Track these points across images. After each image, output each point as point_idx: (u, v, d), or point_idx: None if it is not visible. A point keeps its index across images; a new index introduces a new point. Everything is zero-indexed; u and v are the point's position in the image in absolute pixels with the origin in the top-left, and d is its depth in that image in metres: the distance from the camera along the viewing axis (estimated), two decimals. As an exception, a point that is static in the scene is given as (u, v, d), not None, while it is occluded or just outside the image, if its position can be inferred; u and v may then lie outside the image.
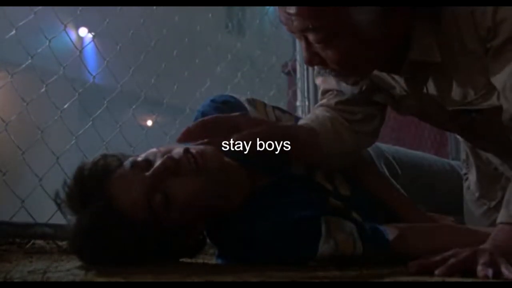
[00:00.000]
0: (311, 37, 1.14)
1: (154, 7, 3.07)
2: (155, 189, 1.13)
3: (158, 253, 1.17)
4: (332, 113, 1.42)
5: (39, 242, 1.78)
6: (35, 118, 2.12)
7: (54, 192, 1.19)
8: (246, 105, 1.42)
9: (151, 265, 1.12)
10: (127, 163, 1.17)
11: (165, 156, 1.16)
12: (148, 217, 1.12)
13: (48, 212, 1.80)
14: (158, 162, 1.15)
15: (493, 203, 1.48)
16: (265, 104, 1.46)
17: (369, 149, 1.57)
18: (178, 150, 1.18)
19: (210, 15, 3.68)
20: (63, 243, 1.73)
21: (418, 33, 1.17)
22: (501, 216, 1.08)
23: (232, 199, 1.22)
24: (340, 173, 1.40)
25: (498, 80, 1.13)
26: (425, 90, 1.28)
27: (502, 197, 1.19)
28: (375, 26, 1.12)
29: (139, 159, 1.18)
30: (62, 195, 1.17)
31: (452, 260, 0.97)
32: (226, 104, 1.40)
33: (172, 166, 1.14)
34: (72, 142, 2.31)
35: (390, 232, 1.24)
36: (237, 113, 1.27)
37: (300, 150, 1.32)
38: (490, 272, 0.93)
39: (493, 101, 1.19)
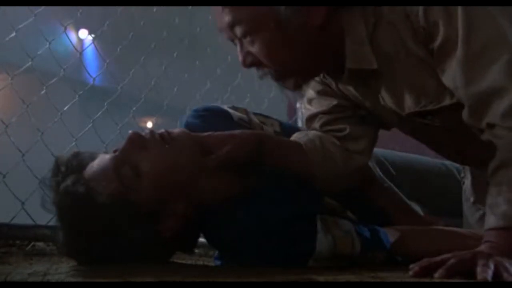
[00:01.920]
0: (238, 31, 1.17)
1: (154, 9, 3.08)
2: (123, 162, 1.16)
3: (145, 241, 1.16)
4: (321, 134, 1.42)
5: (39, 244, 1.77)
6: (35, 120, 2.13)
7: (40, 196, 1.21)
8: (229, 110, 1.42)
9: (151, 266, 1.12)
10: (102, 152, 1.21)
11: (131, 133, 1.19)
12: (121, 193, 1.13)
13: (48, 214, 1.80)
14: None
15: (480, 213, 1.48)
16: (246, 110, 1.47)
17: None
18: (145, 131, 1.22)
19: (210, 17, 3.68)
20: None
21: (351, 41, 1.19)
22: (490, 223, 1.07)
23: (212, 189, 1.22)
24: None
25: (448, 80, 1.12)
26: (381, 100, 1.28)
27: None
28: (294, 15, 1.15)
29: (114, 149, 1.21)
30: (45, 192, 1.20)
31: (451, 262, 0.97)
32: (208, 111, 1.41)
33: (137, 140, 1.17)
34: (72, 144, 2.32)
35: (390, 234, 1.24)
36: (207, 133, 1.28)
37: (281, 161, 1.32)
38: (489, 273, 0.93)
39: (446, 101, 1.19)
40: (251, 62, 1.22)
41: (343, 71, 1.24)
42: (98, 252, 1.13)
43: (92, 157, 1.21)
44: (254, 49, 1.19)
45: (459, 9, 1.07)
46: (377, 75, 1.22)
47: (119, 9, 2.88)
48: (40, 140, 2.12)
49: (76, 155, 1.23)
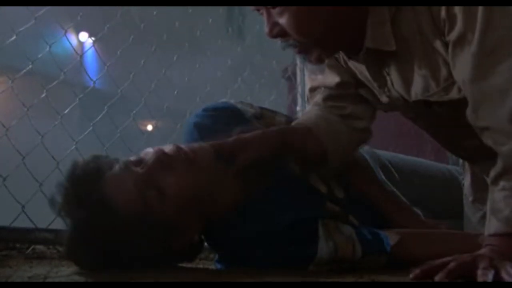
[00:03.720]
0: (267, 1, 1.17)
1: (154, 12, 3.08)
2: (148, 183, 1.13)
3: (156, 253, 1.16)
4: (324, 112, 1.43)
5: (40, 247, 1.77)
6: (35, 123, 2.12)
7: (50, 197, 1.19)
8: (240, 107, 1.42)
9: (152, 269, 1.12)
10: (119, 163, 1.18)
11: (157, 151, 1.16)
12: (142, 213, 1.12)
13: (49, 218, 1.80)
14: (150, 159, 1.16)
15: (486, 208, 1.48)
16: (252, 105, 1.47)
17: (366, 154, 1.58)
18: (169, 146, 1.19)
19: (210, 20, 3.68)
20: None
21: (373, 20, 1.19)
22: (492, 228, 1.07)
23: (225, 199, 1.22)
24: (335, 176, 1.40)
25: (457, 73, 1.13)
26: (389, 82, 1.28)
27: None
28: None
29: (132, 158, 1.18)
30: (58, 198, 1.17)
31: (452, 265, 0.97)
32: (219, 110, 1.41)
33: (164, 160, 1.15)
34: (72, 148, 2.31)
35: (391, 237, 1.23)
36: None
37: (300, 152, 1.33)
38: (490, 276, 0.93)
39: (453, 94, 1.20)
40: (277, 32, 1.20)
41: (360, 49, 1.24)
42: (106, 261, 1.12)
43: (111, 165, 1.18)
44: (283, 19, 1.17)
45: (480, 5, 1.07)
46: (392, 57, 1.23)
47: (119, 12, 2.88)
48: (41, 144, 2.12)
49: (95, 160, 1.20)
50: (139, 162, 1.17)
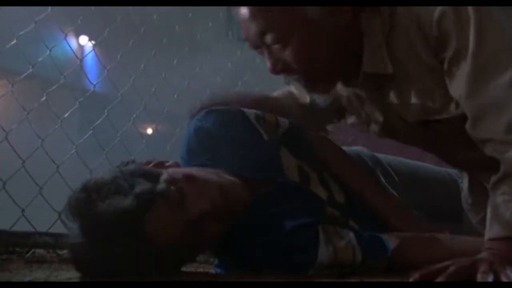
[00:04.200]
0: (269, 39, 1.17)
1: (154, 16, 3.09)
2: (189, 229, 1.14)
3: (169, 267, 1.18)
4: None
5: (40, 251, 1.77)
6: (35, 126, 2.13)
7: (74, 208, 1.15)
8: (243, 108, 1.42)
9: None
10: (159, 194, 1.14)
11: (206, 206, 1.15)
12: (172, 251, 1.13)
13: (49, 221, 1.80)
14: (193, 201, 1.14)
15: (478, 218, 1.48)
16: None
17: (366, 157, 1.58)
18: (212, 189, 1.17)
19: (210, 23, 3.68)
20: (63, 252, 1.73)
21: (369, 44, 1.20)
22: (492, 232, 1.07)
23: (236, 214, 1.23)
24: (335, 180, 1.40)
25: (454, 89, 1.14)
26: (388, 104, 1.29)
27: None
28: (324, 18, 1.16)
29: (172, 189, 1.15)
30: (91, 225, 1.13)
31: (452, 269, 0.97)
32: (221, 113, 1.39)
33: (209, 212, 1.15)
34: (72, 151, 2.32)
35: (391, 241, 1.23)
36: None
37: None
38: (490, 279, 0.93)
39: (451, 112, 1.20)
40: (282, 68, 1.21)
41: (357, 75, 1.25)
42: (114, 271, 1.12)
43: (151, 199, 1.12)
44: (286, 53, 1.18)
45: (471, 20, 1.08)
46: (389, 80, 1.24)
47: (120, 16, 2.89)
48: (41, 147, 2.12)
49: (135, 192, 1.12)
50: (181, 199, 1.15)
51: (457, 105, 1.17)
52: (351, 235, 1.21)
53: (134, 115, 2.83)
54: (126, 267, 1.08)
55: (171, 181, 1.16)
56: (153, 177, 1.17)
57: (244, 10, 1.17)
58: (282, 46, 1.18)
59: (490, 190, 1.10)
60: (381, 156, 1.65)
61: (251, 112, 1.39)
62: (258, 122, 1.38)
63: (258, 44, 1.21)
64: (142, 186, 1.13)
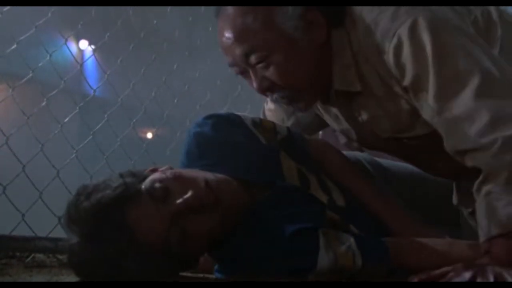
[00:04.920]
0: (253, 59, 1.25)
1: (155, 21, 3.09)
2: (174, 224, 1.14)
3: (163, 272, 1.17)
4: None
5: (39, 256, 1.77)
6: (35, 131, 2.13)
7: (65, 214, 1.17)
8: (241, 114, 1.43)
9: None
10: (144, 190, 1.16)
11: (188, 194, 1.15)
12: (162, 246, 1.13)
13: (49, 226, 1.80)
14: (178, 196, 1.15)
15: (469, 210, 1.48)
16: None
17: (366, 162, 1.58)
18: (198, 184, 1.17)
19: (210, 28, 3.69)
20: (63, 257, 1.73)
21: (338, 64, 1.28)
22: (485, 232, 1.08)
23: (236, 218, 1.22)
24: (335, 184, 1.40)
25: (425, 113, 1.18)
26: (360, 120, 1.36)
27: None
28: (301, 36, 1.25)
29: (157, 186, 1.16)
30: (76, 220, 1.14)
31: (450, 275, 0.97)
32: (219, 118, 1.40)
33: (193, 205, 1.15)
34: (73, 156, 2.32)
35: (391, 246, 1.23)
36: None
37: None
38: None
39: (419, 131, 1.28)
40: (267, 86, 1.28)
41: (329, 93, 1.32)
42: (107, 271, 1.12)
43: (136, 192, 1.14)
44: (269, 72, 1.26)
45: (427, 46, 1.13)
46: (359, 97, 1.31)
47: (120, 20, 2.89)
48: (41, 152, 2.13)
49: (120, 184, 1.14)
50: (164, 192, 1.15)
51: (426, 125, 1.22)
52: (352, 239, 1.21)
53: (134, 120, 2.83)
54: (118, 266, 1.09)
55: (158, 179, 1.17)
56: (141, 177, 1.19)
57: (227, 36, 1.26)
58: (265, 65, 1.25)
59: (474, 193, 1.11)
60: (381, 160, 1.66)
61: (247, 118, 1.41)
62: (255, 127, 1.39)
63: (244, 67, 1.28)
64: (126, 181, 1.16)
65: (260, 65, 1.25)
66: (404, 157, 1.51)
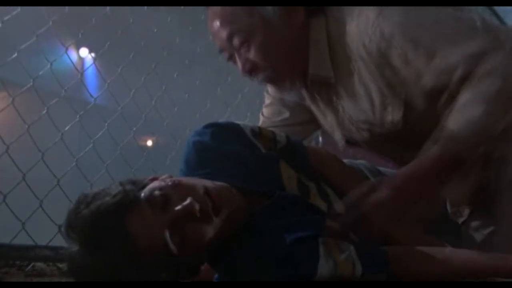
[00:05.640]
0: (236, 41, 1.37)
1: (155, 29, 3.10)
2: (173, 231, 1.14)
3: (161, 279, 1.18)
4: None
5: (40, 264, 1.77)
6: (36, 140, 2.13)
7: (65, 222, 1.17)
8: (240, 123, 1.44)
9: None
10: (143, 198, 1.16)
11: (187, 201, 1.15)
12: (161, 253, 1.13)
13: (49, 235, 1.80)
14: (177, 203, 1.15)
15: (461, 220, 1.48)
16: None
17: (366, 169, 1.58)
18: (197, 191, 1.17)
19: (210, 36, 3.69)
20: (64, 266, 1.72)
21: (314, 49, 1.38)
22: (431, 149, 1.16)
23: (235, 227, 1.22)
24: (334, 192, 1.40)
25: (414, 62, 1.26)
26: (340, 110, 1.45)
27: (469, 215, 1.38)
28: (280, 18, 1.37)
29: (156, 193, 1.17)
30: (75, 228, 1.15)
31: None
32: (218, 127, 1.41)
33: (192, 213, 1.15)
34: (73, 164, 2.32)
35: (390, 254, 1.23)
36: None
37: None
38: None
39: (389, 125, 1.36)
40: (250, 67, 1.39)
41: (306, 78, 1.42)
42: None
43: (135, 200, 1.15)
44: (251, 54, 1.37)
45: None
46: (334, 87, 1.40)
47: (120, 28, 2.90)
48: (41, 161, 2.12)
49: (119, 191, 1.16)
50: (164, 199, 1.16)
51: (394, 114, 1.33)
52: (351, 248, 1.21)
53: (135, 128, 2.83)
54: (117, 274, 1.09)
55: (157, 187, 1.17)
56: (141, 185, 1.19)
57: (214, 24, 1.40)
58: (247, 47, 1.38)
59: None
60: (381, 168, 1.66)
61: (246, 127, 1.41)
62: (255, 136, 1.40)
63: (230, 51, 1.40)
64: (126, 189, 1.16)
65: (243, 48, 1.37)
66: (389, 154, 1.57)
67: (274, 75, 1.41)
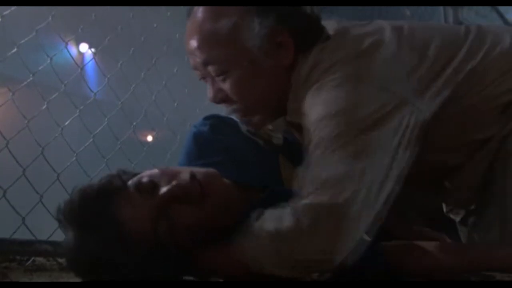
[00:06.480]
0: (211, 70, 1.22)
1: (155, 24, 3.10)
2: (161, 215, 1.13)
3: (160, 273, 1.17)
4: None
5: (40, 259, 1.78)
6: (36, 135, 2.13)
7: (56, 208, 1.18)
8: (238, 120, 1.44)
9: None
10: (131, 184, 1.17)
11: (173, 183, 1.15)
12: (153, 241, 1.12)
13: (49, 230, 1.80)
14: (164, 187, 1.15)
15: (458, 218, 1.47)
16: None
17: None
18: (184, 176, 1.18)
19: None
20: (64, 260, 1.73)
21: (291, 95, 1.24)
22: None
23: (230, 218, 1.22)
24: None
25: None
26: None
27: (465, 215, 1.34)
28: (266, 55, 1.20)
29: (144, 180, 1.17)
30: (65, 212, 1.16)
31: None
32: (216, 119, 1.41)
33: (179, 195, 1.14)
34: (73, 159, 2.32)
35: (387, 250, 1.23)
36: None
37: None
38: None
39: None
40: (221, 98, 1.25)
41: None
42: (108, 275, 1.12)
43: (123, 186, 1.16)
44: (225, 86, 1.23)
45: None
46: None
47: (120, 24, 2.90)
48: (41, 155, 2.13)
49: (108, 178, 1.18)
50: (152, 185, 1.16)
51: None
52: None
53: (135, 123, 2.83)
54: (110, 259, 1.09)
55: (145, 174, 1.18)
56: (131, 174, 1.20)
57: (191, 42, 1.24)
58: (223, 79, 1.22)
59: None
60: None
61: (243, 126, 1.41)
62: (252, 134, 1.39)
63: (204, 74, 1.25)
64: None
65: (218, 77, 1.23)
66: None
67: (246, 110, 1.28)
